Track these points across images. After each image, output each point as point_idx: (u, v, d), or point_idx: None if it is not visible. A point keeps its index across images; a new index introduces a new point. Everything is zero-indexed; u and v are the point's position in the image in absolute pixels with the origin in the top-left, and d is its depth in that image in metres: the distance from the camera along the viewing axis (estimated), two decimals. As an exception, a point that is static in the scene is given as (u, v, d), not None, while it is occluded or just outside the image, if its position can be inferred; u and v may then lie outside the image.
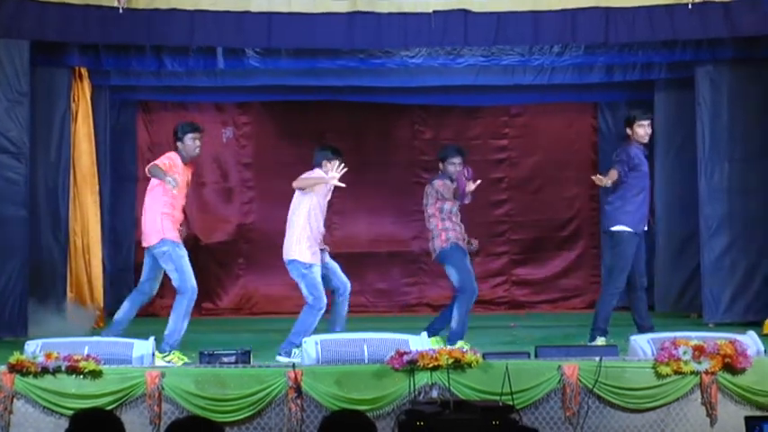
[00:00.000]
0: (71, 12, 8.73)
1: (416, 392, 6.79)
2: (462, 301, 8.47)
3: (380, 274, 12.01)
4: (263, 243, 12.01)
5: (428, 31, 8.95)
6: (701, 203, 10.24)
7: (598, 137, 12.13)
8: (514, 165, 12.24)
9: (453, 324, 8.44)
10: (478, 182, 8.61)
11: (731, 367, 7.01)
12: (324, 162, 8.31)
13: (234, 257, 12.06)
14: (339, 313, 8.31)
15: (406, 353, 6.90)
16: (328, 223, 8.94)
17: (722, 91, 10.18)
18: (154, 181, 8.10)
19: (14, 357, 6.82)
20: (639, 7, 8.99)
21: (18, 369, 6.78)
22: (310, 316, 8.18)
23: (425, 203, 8.72)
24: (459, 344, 8.05)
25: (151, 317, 10.13)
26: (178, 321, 8.01)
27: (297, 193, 8.33)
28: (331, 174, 8.13)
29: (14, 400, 6.77)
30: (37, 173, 9.81)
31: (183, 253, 8.10)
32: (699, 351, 7.00)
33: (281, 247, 11.78)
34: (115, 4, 8.59)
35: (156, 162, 8.03)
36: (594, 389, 6.93)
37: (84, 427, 4.09)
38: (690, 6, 8.89)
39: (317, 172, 8.32)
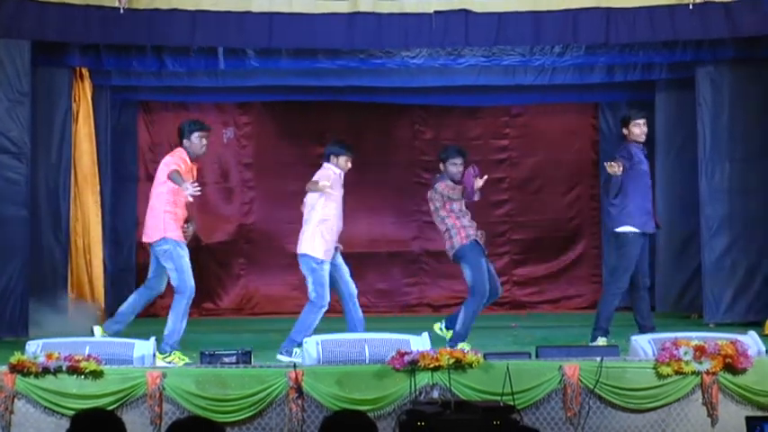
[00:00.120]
0: (72, 12, 8.73)
1: (417, 393, 6.79)
2: (471, 302, 8.46)
3: (381, 274, 12.01)
4: (264, 243, 12.04)
5: (429, 31, 8.95)
6: (702, 204, 10.24)
7: (599, 137, 12.13)
8: (515, 165, 12.24)
9: (458, 325, 8.43)
10: (485, 177, 8.62)
11: (732, 367, 7.01)
12: (331, 156, 8.45)
13: (234, 257, 12.06)
14: (353, 317, 8.35)
15: (406, 353, 6.90)
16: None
17: (723, 91, 10.18)
18: (160, 178, 8.11)
19: (15, 357, 6.82)
20: (640, 8, 8.99)
21: (19, 369, 6.78)
22: (312, 313, 8.22)
23: (434, 208, 8.65)
24: (461, 345, 8.07)
25: (152, 317, 10.13)
26: (177, 321, 8.02)
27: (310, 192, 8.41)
28: (322, 183, 8.19)
29: (15, 400, 6.77)
30: (38, 173, 9.82)
31: (184, 253, 8.10)
32: (700, 351, 7.00)
33: (282, 248, 11.91)
34: (116, 5, 8.59)
35: (175, 167, 8.02)
36: (595, 389, 6.93)
37: (86, 428, 4.09)
38: (690, 7, 8.89)
39: (324, 168, 8.43)
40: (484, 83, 10.56)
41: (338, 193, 8.41)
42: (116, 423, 4.16)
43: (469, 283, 8.50)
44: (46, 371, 6.79)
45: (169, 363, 7.66)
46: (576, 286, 12.28)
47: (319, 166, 8.57)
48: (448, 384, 6.78)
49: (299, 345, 7.78)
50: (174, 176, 7.97)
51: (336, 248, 8.42)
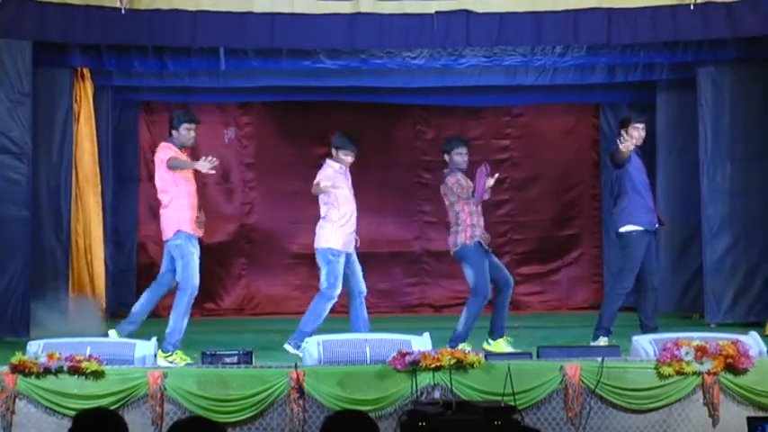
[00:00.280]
0: (73, 12, 8.72)
1: (419, 393, 6.79)
2: (473, 304, 8.46)
3: (382, 274, 12.00)
4: (266, 243, 12.04)
5: (430, 31, 8.94)
6: (703, 204, 10.24)
7: (600, 137, 12.13)
8: (516, 165, 12.23)
9: (459, 326, 8.44)
10: (497, 175, 8.63)
11: (733, 368, 7.01)
12: (332, 150, 8.59)
13: (236, 257, 12.06)
14: (357, 316, 8.42)
15: (408, 353, 6.91)
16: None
17: (724, 92, 10.17)
18: (161, 176, 8.12)
19: (17, 358, 6.83)
20: (641, 8, 8.97)
21: (20, 369, 6.78)
22: (321, 303, 8.31)
23: (449, 203, 8.62)
24: (461, 345, 8.07)
25: (153, 317, 10.09)
26: (178, 319, 8.02)
27: None
28: (324, 183, 8.32)
29: (17, 400, 6.78)
30: (39, 173, 9.82)
31: (195, 250, 8.12)
32: (701, 352, 7.00)
33: (284, 248, 11.92)
34: (117, 5, 8.58)
35: (171, 155, 8.08)
36: (597, 389, 6.93)
37: (88, 427, 4.09)
38: (692, 7, 8.88)
39: (324, 166, 8.55)
40: (485, 83, 10.56)
41: (344, 185, 8.45)
42: (118, 422, 4.16)
43: (471, 285, 8.50)
44: (47, 371, 6.79)
45: (171, 362, 7.67)
46: (577, 286, 12.28)
47: (321, 165, 8.63)
48: (449, 385, 6.78)
49: (309, 335, 7.83)
50: (174, 163, 8.03)
51: (355, 244, 8.50)
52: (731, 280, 10.14)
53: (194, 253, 8.11)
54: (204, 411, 6.68)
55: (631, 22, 9.02)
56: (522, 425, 6.19)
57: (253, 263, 12.07)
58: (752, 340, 7.29)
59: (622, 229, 8.56)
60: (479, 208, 8.62)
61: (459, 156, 8.64)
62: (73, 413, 6.68)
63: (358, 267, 8.55)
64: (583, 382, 6.92)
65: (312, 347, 7.19)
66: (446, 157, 8.73)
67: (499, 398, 6.65)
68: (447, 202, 8.67)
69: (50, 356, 6.81)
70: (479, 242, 8.51)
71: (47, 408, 6.78)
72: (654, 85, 11.04)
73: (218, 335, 9.88)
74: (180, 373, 6.98)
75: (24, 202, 9.43)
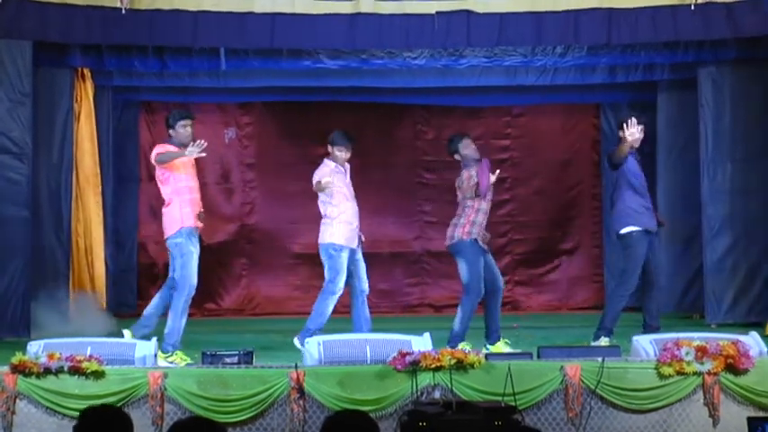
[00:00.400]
0: (73, 12, 8.72)
1: (419, 393, 6.79)
2: (467, 302, 8.46)
3: (382, 274, 11.99)
4: (266, 243, 12.04)
5: (431, 32, 8.94)
6: (704, 204, 10.24)
7: (600, 137, 12.13)
8: (516, 165, 12.23)
9: (456, 326, 8.44)
10: (498, 172, 8.63)
11: (733, 368, 7.01)
12: (329, 148, 8.61)
13: (236, 258, 12.06)
14: (359, 315, 8.45)
15: (408, 353, 6.90)
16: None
17: (724, 92, 10.17)
18: (164, 174, 8.13)
19: (17, 358, 6.82)
20: (642, 8, 8.97)
21: (21, 370, 6.78)
22: (324, 299, 8.37)
23: (462, 197, 8.61)
24: (461, 345, 8.08)
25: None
26: (176, 320, 8.02)
27: None
28: (325, 180, 8.35)
29: (17, 400, 6.77)
30: (39, 173, 9.82)
31: (194, 249, 8.12)
32: (701, 352, 7.00)
33: (284, 248, 11.92)
34: (117, 5, 8.58)
35: (154, 154, 8.09)
36: (597, 389, 6.93)
37: (94, 423, 4.10)
38: (692, 7, 8.88)
39: (321, 166, 8.57)
40: (485, 83, 10.56)
41: (341, 183, 8.48)
42: (123, 419, 4.17)
43: (464, 282, 8.50)
44: (47, 371, 6.79)
45: (171, 363, 7.67)
46: (578, 286, 12.28)
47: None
48: (449, 385, 6.78)
49: (313, 332, 7.87)
50: (162, 158, 8.07)
51: (359, 240, 8.52)
52: (732, 280, 10.14)
53: (193, 252, 8.10)
54: (204, 411, 6.67)
55: (632, 23, 9.02)
56: (523, 425, 6.18)
57: (253, 263, 12.07)
58: (752, 340, 7.29)
59: (623, 231, 8.56)
60: (488, 207, 8.61)
61: (468, 148, 8.63)
62: (73, 413, 6.71)
63: (362, 266, 8.58)
64: (583, 382, 6.92)
65: (312, 348, 7.19)
66: (456, 156, 8.70)
67: (499, 398, 6.65)
68: (459, 196, 8.64)
69: (51, 356, 6.81)
70: (476, 239, 8.50)
71: (47, 408, 6.78)
72: (654, 85, 11.03)
73: (219, 335, 9.88)
74: (180, 374, 6.98)
75: (24, 203, 9.43)
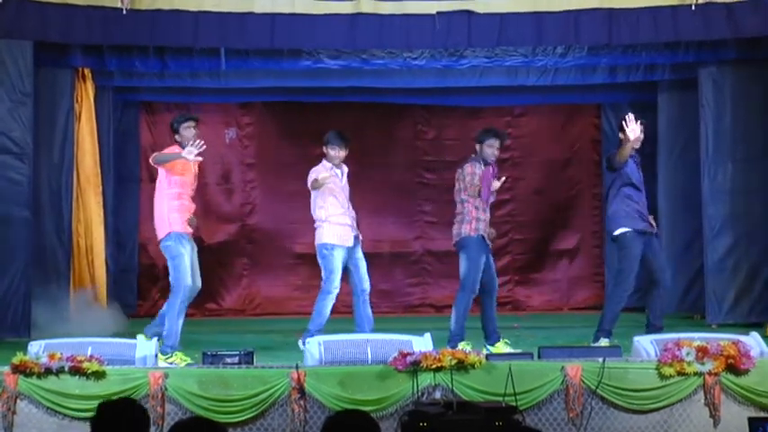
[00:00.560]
0: (74, 12, 8.72)
1: (419, 393, 6.79)
2: (461, 299, 8.44)
3: (383, 274, 11.99)
4: (267, 243, 12.04)
5: (431, 32, 8.94)
6: (704, 204, 10.24)
7: (601, 137, 12.13)
8: (517, 165, 12.23)
9: (452, 325, 8.43)
10: (503, 179, 8.63)
11: (734, 368, 7.01)
12: (324, 148, 8.63)
13: (237, 258, 12.07)
14: (361, 314, 8.46)
15: (409, 354, 6.90)
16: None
17: (725, 92, 10.17)
18: (160, 175, 8.17)
19: (18, 358, 6.82)
20: (643, 8, 8.97)
21: (21, 370, 6.78)
22: (321, 299, 8.42)
23: (458, 188, 8.58)
24: (462, 345, 8.07)
25: (154, 317, 10.11)
26: (173, 321, 8.02)
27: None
28: (322, 175, 8.37)
29: (18, 400, 6.77)
30: (40, 173, 9.82)
31: (185, 250, 8.11)
32: (702, 352, 7.00)
33: (285, 248, 11.92)
34: (118, 5, 8.58)
35: (157, 153, 8.14)
36: (598, 390, 6.93)
37: (111, 417, 4.10)
38: (693, 8, 8.87)
39: (317, 166, 8.57)
40: (486, 84, 10.56)
41: (334, 185, 8.45)
42: (141, 412, 4.18)
43: (461, 276, 8.48)
44: (48, 371, 6.79)
45: (171, 363, 7.66)
46: (578, 286, 12.29)
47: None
48: (450, 385, 6.77)
49: (312, 334, 7.90)
50: (159, 158, 8.08)
51: (357, 238, 8.53)
52: (732, 280, 10.14)
53: (184, 254, 8.10)
54: (205, 411, 6.67)
55: (632, 23, 9.01)
56: (524, 425, 6.18)
57: (254, 263, 12.08)
58: (753, 341, 7.29)
59: (616, 232, 8.56)
60: (488, 212, 8.60)
61: (490, 148, 8.60)
62: (74, 413, 6.73)
63: (362, 264, 8.58)
64: (584, 382, 6.92)
65: (313, 348, 7.19)
66: (477, 146, 8.67)
67: (500, 398, 6.65)
68: (456, 187, 8.62)
69: (51, 357, 6.81)
70: (482, 236, 8.49)
71: (48, 408, 6.78)
72: (655, 85, 11.04)
73: (220, 335, 9.89)
74: (181, 374, 6.98)
75: (25, 203, 9.43)
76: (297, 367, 6.88)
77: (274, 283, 12.00)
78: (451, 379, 6.78)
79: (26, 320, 9.31)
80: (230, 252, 12.04)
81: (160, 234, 8.19)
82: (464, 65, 10.12)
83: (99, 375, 6.80)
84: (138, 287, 11.57)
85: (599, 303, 11.40)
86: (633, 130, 8.32)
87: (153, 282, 11.50)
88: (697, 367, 6.97)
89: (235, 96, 11.37)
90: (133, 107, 11.68)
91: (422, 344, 7.19)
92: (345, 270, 8.53)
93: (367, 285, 8.55)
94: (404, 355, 6.89)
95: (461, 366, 6.87)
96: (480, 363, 6.92)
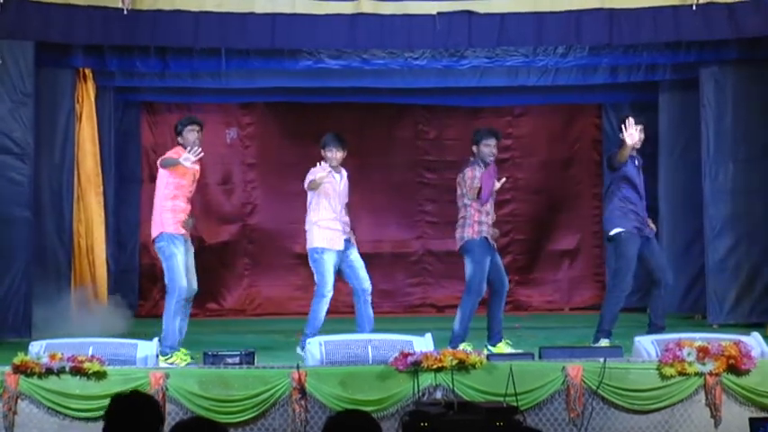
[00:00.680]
0: (75, 13, 8.72)
1: (420, 393, 6.79)
2: (467, 301, 8.44)
3: (384, 274, 11.99)
4: (268, 243, 12.04)
5: (432, 32, 8.94)
6: (706, 204, 10.24)
7: (602, 137, 12.13)
8: (518, 165, 12.23)
9: (456, 326, 8.43)
10: (503, 180, 8.61)
11: (735, 368, 7.01)
12: (322, 151, 8.52)
13: (238, 258, 12.07)
14: (362, 315, 8.41)
15: (409, 354, 6.90)
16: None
17: (726, 92, 10.17)
18: (159, 176, 8.21)
19: (19, 358, 6.83)
20: (644, 8, 8.97)
21: (22, 370, 6.78)
22: (316, 303, 8.37)
23: (460, 192, 8.56)
24: (462, 346, 8.07)
25: (155, 317, 10.12)
26: (169, 322, 8.03)
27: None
28: (320, 175, 8.31)
29: (19, 400, 6.77)
30: (41, 174, 9.82)
31: (177, 251, 8.12)
32: (703, 352, 7.00)
33: (286, 248, 11.92)
34: (119, 6, 8.58)
35: (164, 155, 8.17)
36: (599, 390, 6.93)
37: (124, 409, 4.11)
38: (694, 8, 8.87)
39: (320, 166, 8.52)
40: (487, 84, 10.55)
41: (329, 185, 8.42)
42: (154, 405, 4.19)
43: (467, 279, 8.47)
44: (49, 371, 6.79)
45: (171, 364, 7.67)
46: (579, 286, 12.28)
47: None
48: (451, 385, 6.77)
49: (309, 336, 7.87)
50: (166, 162, 8.11)
51: (349, 241, 8.48)
52: (733, 280, 10.13)
53: (177, 254, 8.12)
54: (206, 412, 6.67)
55: (633, 23, 9.01)
56: (524, 425, 6.18)
57: (255, 263, 12.08)
58: (754, 341, 7.29)
59: (612, 232, 8.56)
60: (491, 206, 8.59)
61: (487, 147, 8.57)
62: (75, 413, 6.73)
63: (359, 265, 8.52)
64: (585, 382, 6.92)
65: (314, 348, 7.19)
66: (474, 148, 8.65)
67: (501, 398, 6.65)
68: (458, 192, 8.62)
69: (52, 357, 6.81)
70: (486, 237, 8.48)
71: (49, 408, 6.78)
72: (656, 85, 11.03)
73: (220, 335, 9.89)
74: (182, 374, 6.98)
75: (26, 203, 9.43)
76: (298, 367, 6.88)
77: (275, 283, 11.99)
78: (452, 379, 6.78)
79: (27, 320, 9.31)
80: (231, 252, 12.04)
81: (153, 233, 8.24)
82: (465, 65, 10.12)
83: (100, 375, 6.80)
84: (139, 287, 11.57)
85: (600, 303, 11.30)
86: (631, 135, 8.30)
87: (154, 282, 11.49)
88: (698, 367, 6.97)
89: (235, 97, 11.37)
90: (134, 107, 11.68)
91: (423, 344, 7.19)
92: (341, 272, 8.49)
93: (367, 285, 8.51)
94: (405, 356, 6.90)
95: (462, 366, 6.87)
96: (481, 363, 6.92)
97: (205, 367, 7.09)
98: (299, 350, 8.04)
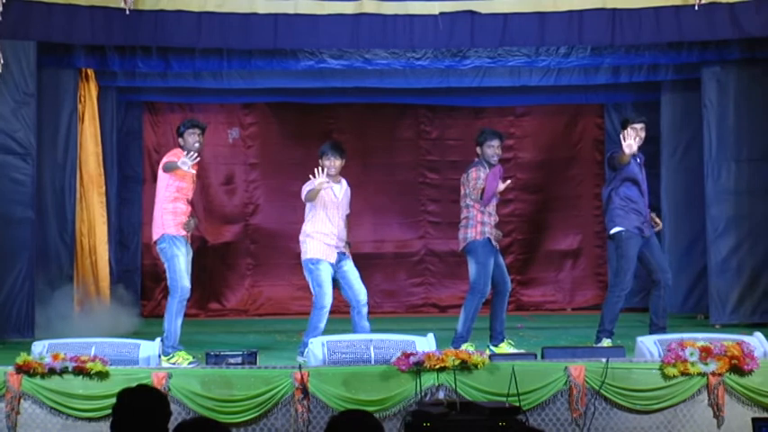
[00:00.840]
0: (77, 13, 8.71)
1: (423, 394, 6.79)
2: (470, 301, 8.44)
3: (386, 275, 12.02)
4: (270, 243, 12.04)
5: (434, 32, 8.93)
6: (708, 204, 10.24)
7: (604, 137, 12.13)
8: (520, 165, 12.22)
9: (459, 327, 8.42)
10: (508, 182, 8.59)
11: (738, 369, 7.00)
12: (320, 160, 8.47)
13: (240, 258, 12.06)
14: (357, 326, 8.32)
15: (412, 354, 6.90)
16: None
17: (728, 92, 10.17)
18: (160, 178, 8.22)
19: (21, 358, 6.82)
20: (646, 8, 8.95)
21: (25, 370, 6.79)
22: (315, 316, 8.29)
23: (464, 193, 8.55)
24: (465, 346, 8.07)
25: (158, 317, 10.13)
26: (171, 322, 8.05)
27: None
28: (318, 180, 8.23)
29: (21, 400, 6.77)
30: (43, 174, 9.83)
31: (179, 252, 8.13)
32: (706, 352, 7.00)
33: (288, 248, 11.91)
34: (121, 6, 8.58)
35: (166, 160, 8.18)
36: (601, 390, 6.92)
37: (131, 402, 4.11)
38: (696, 8, 8.86)
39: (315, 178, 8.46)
40: (489, 84, 10.56)
41: (325, 194, 8.37)
42: (161, 398, 4.18)
43: (471, 279, 8.47)
44: (52, 371, 6.79)
45: (173, 364, 7.68)
46: (581, 286, 12.28)
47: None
48: (453, 385, 6.77)
49: (306, 346, 7.81)
50: (168, 166, 8.12)
51: (343, 253, 8.41)
52: (736, 281, 10.13)
53: (179, 255, 8.13)
54: (208, 412, 6.68)
55: (635, 23, 8.99)
56: (527, 426, 6.18)
57: (257, 263, 12.08)
58: (756, 341, 7.28)
59: (613, 231, 8.55)
60: (493, 207, 8.58)
61: (491, 148, 8.55)
62: (78, 413, 6.73)
63: (353, 276, 8.41)
64: (587, 382, 6.92)
65: (316, 348, 7.19)
66: (477, 149, 8.64)
67: (504, 398, 6.65)
68: (462, 192, 8.60)
69: (55, 357, 6.82)
70: (489, 239, 8.47)
71: (51, 408, 6.78)
72: (658, 85, 11.04)
73: (223, 335, 9.90)
74: (184, 374, 6.99)
75: (29, 203, 9.44)
76: (300, 367, 6.89)
77: (277, 283, 11.99)
78: (455, 379, 6.78)
79: (30, 320, 9.32)
80: (233, 252, 12.04)
81: (154, 236, 8.26)
82: (467, 65, 10.13)
83: (102, 375, 6.80)
84: (141, 287, 11.58)
85: (602, 303, 11.39)
86: (629, 145, 8.29)
87: (156, 282, 11.50)
88: (701, 368, 6.97)
89: (238, 97, 11.38)
90: (136, 107, 11.69)
91: (425, 344, 7.19)
92: (335, 283, 8.40)
93: (363, 297, 8.39)
94: (407, 356, 6.89)
95: (465, 367, 6.87)
96: (483, 363, 6.91)
97: (207, 367, 7.10)
98: (299, 358, 8.01)
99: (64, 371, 6.80)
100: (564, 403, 6.94)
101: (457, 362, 6.86)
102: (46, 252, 9.87)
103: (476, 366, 6.89)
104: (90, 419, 6.74)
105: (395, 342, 7.22)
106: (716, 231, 10.19)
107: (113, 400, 6.54)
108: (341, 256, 8.39)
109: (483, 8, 8.89)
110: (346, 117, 11.89)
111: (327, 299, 8.26)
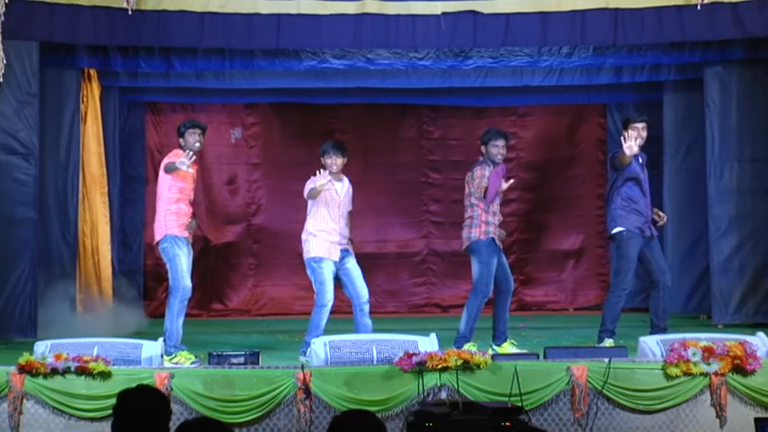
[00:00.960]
0: (80, 13, 8.73)
1: (425, 394, 6.79)
2: (473, 301, 8.43)
3: (388, 274, 12.02)
4: (272, 243, 12.04)
5: (437, 32, 8.94)
6: (710, 204, 10.23)
7: (606, 137, 12.12)
8: (522, 165, 12.22)
9: (462, 326, 8.41)
10: (511, 181, 8.58)
11: (741, 369, 7.00)
12: (321, 158, 8.47)
13: (243, 258, 12.07)
14: (360, 324, 8.33)
15: (414, 354, 6.90)
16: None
17: (731, 92, 10.16)
18: (161, 180, 8.22)
19: (24, 358, 6.83)
20: (648, 8, 8.96)
21: (28, 370, 6.79)
22: (315, 313, 8.30)
23: (468, 192, 8.53)
24: (467, 346, 8.07)
25: (160, 318, 10.13)
26: (172, 322, 8.06)
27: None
28: (320, 182, 8.22)
29: (24, 400, 6.78)
30: (46, 174, 9.84)
31: (181, 252, 8.15)
32: (708, 352, 6.99)
33: (290, 248, 11.90)
34: (124, 6, 8.59)
35: (167, 161, 8.19)
36: (603, 390, 6.92)
37: (131, 402, 4.12)
38: (698, 7, 8.86)
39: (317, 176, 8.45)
40: (491, 84, 10.56)
41: (328, 193, 8.38)
42: (161, 398, 4.19)
43: (474, 279, 8.46)
44: (54, 371, 6.80)
45: (176, 363, 7.68)
46: (584, 286, 12.27)
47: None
48: (456, 385, 6.77)
49: (310, 345, 7.82)
50: (168, 167, 8.13)
51: (347, 250, 8.42)
52: (738, 280, 10.12)
53: (180, 255, 8.15)
54: (211, 412, 6.68)
55: (638, 23, 9.00)
56: (529, 425, 6.18)
57: (260, 263, 12.08)
58: (759, 341, 7.28)
59: (614, 231, 8.54)
60: (497, 207, 8.57)
61: (495, 148, 8.52)
62: (80, 413, 6.74)
63: (356, 274, 8.43)
64: (590, 382, 6.92)
65: (319, 348, 7.19)
66: (482, 148, 8.61)
67: (506, 398, 6.65)
68: (466, 191, 8.58)
69: (58, 357, 6.82)
70: (492, 238, 8.47)
71: (54, 408, 6.79)
72: (661, 85, 11.03)
73: (225, 335, 9.90)
74: (186, 374, 6.99)
75: (31, 203, 9.44)
76: (302, 367, 6.89)
77: (280, 283, 12.00)
78: (457, 379, 6.78)
79: (32, 320, 9.33)
80: (236, 252, 12.04)
81: (157, 237, 8.27)
82: (469, 65, 10.13)
83: (105, 375, 6.81)
84: (144, 287, 11.58)
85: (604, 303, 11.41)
86: (630, 146, 8.28)
87: (159, 282, 11.50)
88: (703, 368, 6.97)
89: (240, 97, 11.39)
90: (139, 107, 11.69)
91: (427, 344, 7.19)
92: (338, 281, 8.42)
93: (364, 294, 8.41)
94: (409, 356, 6.90)
95: (467, 367, 6.88)
96: (486, 363, 6.91)
97: (210, 367, 7.10)
98: (301, 358, 8.02)
99: (66, 371, 6.80)
100: (566, 403, 6.94)
101: (459, 362, 6.86)
102: (48, 252, 9.87)
103: (478, 366, 6.89)
104: (92, 419, 6.75)
105: (397, 342, 7.22)
106: (718, 231, 10.18)
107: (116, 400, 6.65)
108: (344, 252, 8.41)
109: (485, 8, 8.90)
110: (348, 117, 11.89)
111: (329, 297, 8.28)
